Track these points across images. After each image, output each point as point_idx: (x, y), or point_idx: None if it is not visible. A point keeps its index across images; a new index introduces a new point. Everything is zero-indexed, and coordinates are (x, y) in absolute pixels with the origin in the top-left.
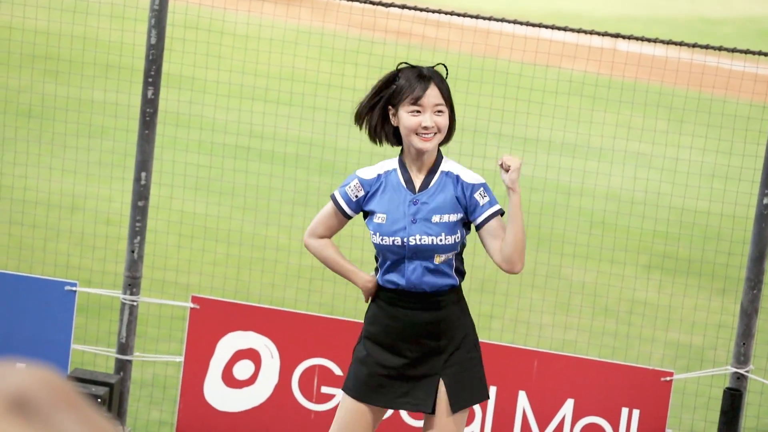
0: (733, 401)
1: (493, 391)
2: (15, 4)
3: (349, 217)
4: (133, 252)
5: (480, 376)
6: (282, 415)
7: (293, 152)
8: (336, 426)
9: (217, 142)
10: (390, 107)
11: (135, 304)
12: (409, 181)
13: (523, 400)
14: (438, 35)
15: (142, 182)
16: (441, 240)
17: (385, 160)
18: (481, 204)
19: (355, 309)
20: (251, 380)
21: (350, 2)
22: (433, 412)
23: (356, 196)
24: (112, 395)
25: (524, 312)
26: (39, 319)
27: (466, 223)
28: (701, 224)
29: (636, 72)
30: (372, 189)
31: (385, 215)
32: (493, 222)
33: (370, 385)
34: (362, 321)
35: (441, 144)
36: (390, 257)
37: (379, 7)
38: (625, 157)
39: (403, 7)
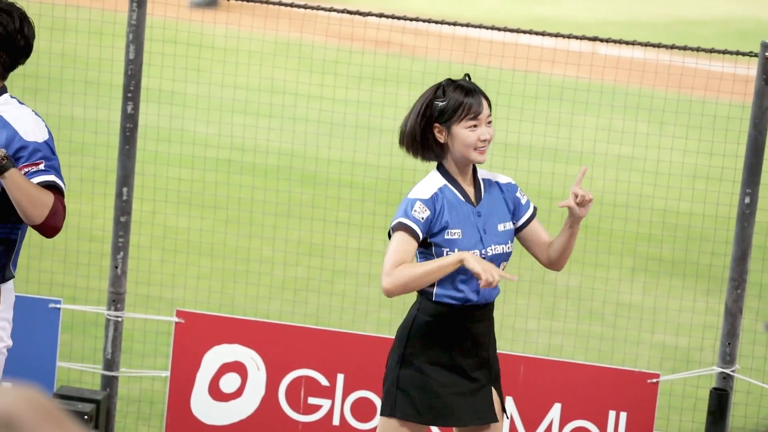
0: (719, 401)
1: None
2: None
3: (419, 241)
4: (116, 268)
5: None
6: (269, 427)
7: (275, 164)
8: None
9: (199, 156)
10: (437, 125)
11: (120, 319)
12: (465, 194)
13: (510, 406)
14: (416, 43)
15: (124, 197)
16: (509, 247)
17: (427, 179)
18: (523, 203)
19: (340, 320)
20: (238, 393)
21: (328, 12)
22: (497, 421)
23: (423, 218)
24: (98, 412)
25: (510, 318)
26: (24, 337)
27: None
28: (684, 225)
29: (615, 75)
30: (437, 208)
31: (459, 230)
32: (535, 220)
33: (436, 407)
34: (348, 330)
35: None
36: (466, 272)
37: (357, 17)
38: (606, 161)
39: (381, 15)
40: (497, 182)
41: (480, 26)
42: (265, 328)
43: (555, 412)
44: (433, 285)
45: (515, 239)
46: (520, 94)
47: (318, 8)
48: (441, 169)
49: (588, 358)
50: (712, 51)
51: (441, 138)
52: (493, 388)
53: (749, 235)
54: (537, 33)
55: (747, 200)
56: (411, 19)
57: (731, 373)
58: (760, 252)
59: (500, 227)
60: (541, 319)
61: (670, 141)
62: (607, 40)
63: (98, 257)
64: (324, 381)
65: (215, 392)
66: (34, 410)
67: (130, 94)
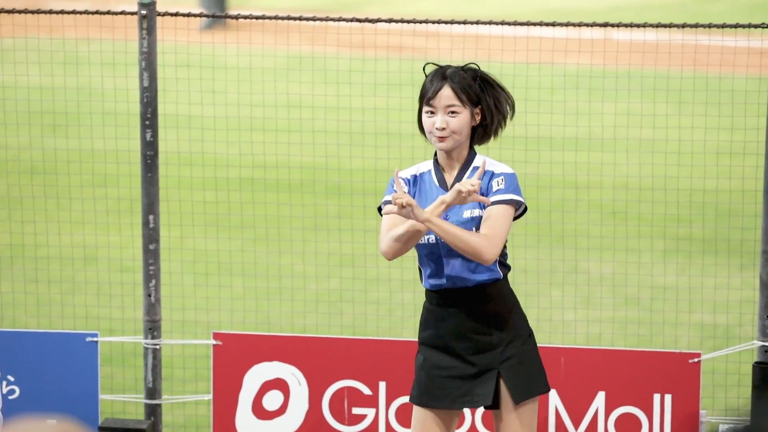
0: (763, 375)
1: None
2: (13, 63)
3: None
4: (149, 296)
5: (538, 368)
6: None
7: (298, 178)
8: None
9: (222, 177)
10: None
11: (158, 347)
12: (441, 180)
13: (554, 399)
14: (428, 45)
15: (151, 225)
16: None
17: (422, 163)
18: (494, 189)
19: (377, 327)
20: (282, 410)
21: (337, 23)
22: (497, 406)
23: (405, 191)
24: None
25: (546, 311)
26: (64, 373)
27: None
28: (712, 203)
29: (629, 59)
30: (410, 189)
31: None
32: (492, 208)
33: (431, 390)
34: (386, 338)
35: (477, 143)
36: (429, 258)
37: (367, 24)
38: (628, 145)
39: (390, 20)
40: (493, 172)
41: (490, 22)
42: (303, 343)
43: (599, 400)
44: (420, 272)
45: None
46: (536, 87)
47: (327, 19)
48: (435, 153)
49: (628, 344)
50: (723, 26)
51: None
52: (501, 374)
53: None
54: (548, 24)
55: None
56: (420, 22)
57: None
58: None
59: (466, 213)
60: (578, 309)
61: (690, 120)
62: (618, 25)
63: (131, 287)
64: (366, 390)
65: (259, 411)
66: None
67: (147, 122)
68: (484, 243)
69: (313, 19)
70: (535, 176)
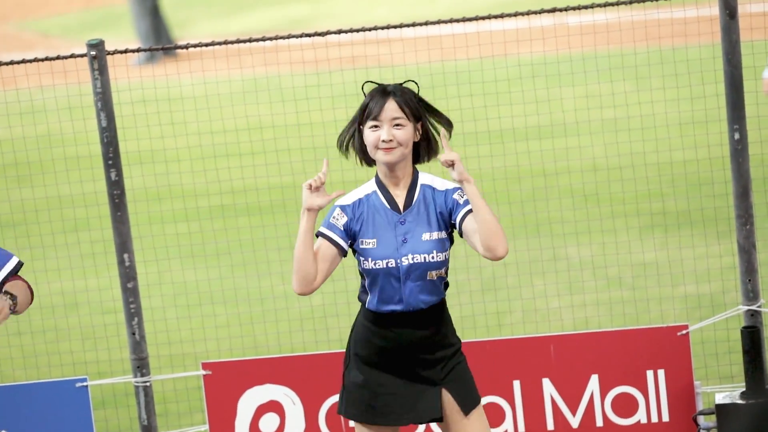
0: (752, 339)
1: (516, 385)
2: None
3: (341, 249)
4: (134, 334)
5: (472, 379)
6: None
7: (267, 200)
8: None
9: (192, 207)
10: (361, 127)
11: (148, 384)
12: (391, 201)
13: (548, 387)
14: (381, 52)
15: (127, 264)
16: (433, 257)
17: (362, 186)
18: (460, 202)
19: None
20: (279, 431)
21: (287, 40)
22: (441, 419)
23: (342, 225)
24: None
25: (530, 301)
26: (59, 421)
27: (449, 234)
28: (681, 174)
29: (581, 42)
30: (355, 215)
31: (375, 239)
32: (471, 217)
33: (376, 407)
34: None
35: (418, 161)
36: (384, 281)
37: (318, 39)
38: (591, 127)
39: (339, 32)
40: (434, 188)
41: (438, 21)
42: (293, 363)
43: (593, 383)
44: (366, 294)
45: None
46: (493, 80)
47: (276, 38)
48: (376, 175)
49: (615, 325)
50: None
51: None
52: (445, 390)
53: (746, 170)
54: (497, 16)
55: (737, 136)
56: (380, 28)
57: (758, 309)
58: (761, 184)
59: (425, 236)
60: (562, 295)
61: (649, 95)
62: (566, 9)
63: (115, 328)
64: None
65: None
66: None
67: (110, 161)
68: (504, 235)
69: (262, 39)
70: (503, 169)
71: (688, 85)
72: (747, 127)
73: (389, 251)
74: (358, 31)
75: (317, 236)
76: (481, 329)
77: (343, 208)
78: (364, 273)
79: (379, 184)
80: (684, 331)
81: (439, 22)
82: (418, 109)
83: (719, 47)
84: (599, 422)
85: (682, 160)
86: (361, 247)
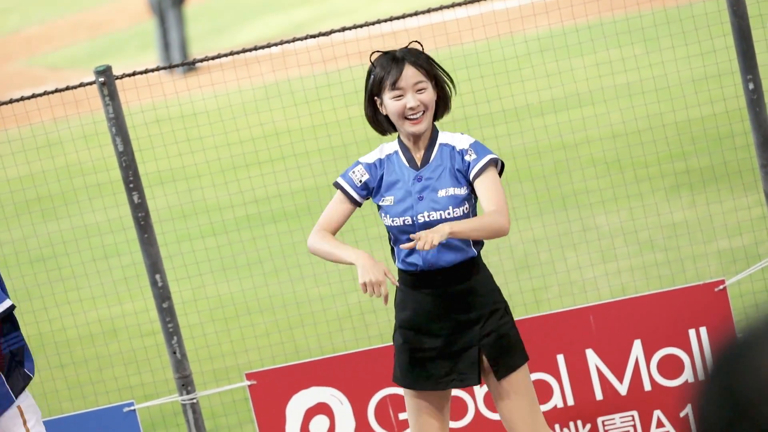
0: None
1: (560, 359)
2: None
3: (357, 204)
4: (175, 353)
5: (517, 339)
6: None
7: (292, 204)
8: (410, 421)
9: (218, 221)
10: (376, 98)
11: (195, 401)
12: (411, 160)
13: (593, 358)
14: (398, 42)
15: (160, 284)
16: (449, 213)
17: (385, 144)
18: (471, 162)
19: None
20: None
21: (293, 44)
22: (480, 383)
23: (361, 181)
24: None
25: (565, 274)
26: None
27: (472, 191)
28: (700, 130)
29: (585, 11)
30: (377, 173)
31: (392, 197)
32: (481, 177)
33: (415, 371)
34: None
35: (437, 118)
36: (403, 238)
37: (330, 38)
38: (605, 95)
39: (344, 29)
40: (453, 147)
41: (440, 8)
42: (336, 363)
43: (637, 348)
44: (394, 253)
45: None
46: (502, 59)
47: (281, 43)
48: (398, 136)
49: (652, 288)
50: None
51: (383, 110)
52: (482, 351)
53: (764, 119)
54: None
55: (751, 86)
56: (372, 24)
57: None
58: None
59: (442, 192)
60: (596, 265)
61: (659, 56)
62: None
63: (156, 349)
64: None
65: None
66: None
67: (132, 185)
68: (499, 219)
69: (268, 46)
70: (522, 146)
71: (697, 42)
72: (760, 76)
73: (405, 208)
74: (362, 26)
75: (335, 185)
76: (519, 308)
77: (365, 166)
78: (388, 230)
79: (401, 144)
80: (721, 287)
81: (441, 8)
82: (433, 67)
83: (723, 0)
84: (647, 386)
85: (699, 117)
86: (380, 204)
